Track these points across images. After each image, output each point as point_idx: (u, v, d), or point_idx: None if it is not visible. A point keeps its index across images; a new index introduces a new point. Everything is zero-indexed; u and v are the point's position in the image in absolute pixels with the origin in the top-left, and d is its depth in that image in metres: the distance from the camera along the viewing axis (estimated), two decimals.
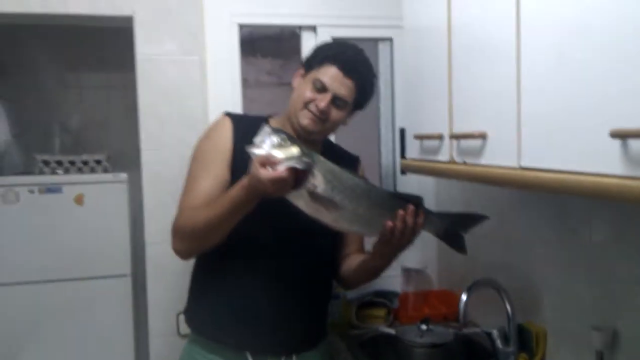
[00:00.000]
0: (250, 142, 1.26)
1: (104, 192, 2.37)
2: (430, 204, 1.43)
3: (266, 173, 1.20)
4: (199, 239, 1.41)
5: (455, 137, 1.34)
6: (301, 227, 1.36)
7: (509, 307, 1.59)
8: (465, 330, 1.79)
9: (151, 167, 1.95)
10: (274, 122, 1.53)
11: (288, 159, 1.20)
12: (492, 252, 1.82)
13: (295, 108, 1.47)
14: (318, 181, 1.25)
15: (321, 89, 1.44)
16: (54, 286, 2.31)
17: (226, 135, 1.49)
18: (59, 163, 2.40)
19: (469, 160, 1.30)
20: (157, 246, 1.93)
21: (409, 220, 1.32)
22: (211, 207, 1.36)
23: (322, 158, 1.28)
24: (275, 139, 1.21)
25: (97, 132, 2.87)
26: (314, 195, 1.25)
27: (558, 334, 1.54)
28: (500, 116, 1.16)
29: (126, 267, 2.38)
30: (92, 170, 2.44)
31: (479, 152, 1.24)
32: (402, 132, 1.94)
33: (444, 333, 1.76)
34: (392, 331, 1.86)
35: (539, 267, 1.61)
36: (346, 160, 1.63)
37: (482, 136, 1.22)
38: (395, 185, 2.24)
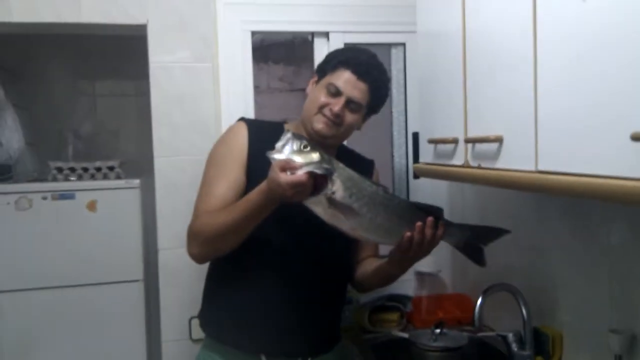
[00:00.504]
0: (265, 147, 1.28)
1: (117, 198, 2.35)
2: (443, 208, 1.43)
3: (285, 177, 1.20)
4: (216, 243, 1.41)
5: (471, 140, 1.34)
6: (317, 231, 1.36)
7: (524, 310, 1.58)
8: (480, 334, 1.78)
9: (164, 174, 1.96)
10: (289, 127, 1.54)
11: (308, 164, 1.21)
12: (507, 256, 1.80)
13: (309, 113, 1.48)
14: (337, 187, 1.25)
15: (335, 93, 1.45)
16: (66, 292, 2.30)
17: (242, 140, 1.50)
18: (72, 170, 2.40)
19: (484, 164, 1.29)
20: (170, 252, 1.95)
21: (428, 232, 1.33)
22: (229, 211, 1.37)
23: (341, 165, 1.29)
24: (296, 144, 1.22)
25: (110, 139, 2.88)
26: (332, 202, 1.25)
27: (575, 337, 1.52)
28: (516, 119, 1.15)
29: (139, 273, 2.37)
30: (105, 177, 2.43)
31: (494, 155, 1.23)
32: (415, 136, 1.94)
33: (458, 337, 1.75)
34: (405, 335, 1.85)
35: (555, 270, 1.59)
36: (361, 164, 1.63)
37: (498, 140, 1.21)
38: (408, 190, 2.23)
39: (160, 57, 1.94)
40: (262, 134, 1.50)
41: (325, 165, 1.23)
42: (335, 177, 1.24)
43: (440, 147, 1.51)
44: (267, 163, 1.25)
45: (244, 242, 1.39)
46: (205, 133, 1.94)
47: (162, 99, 1.94)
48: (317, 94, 1.48)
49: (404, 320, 2.01)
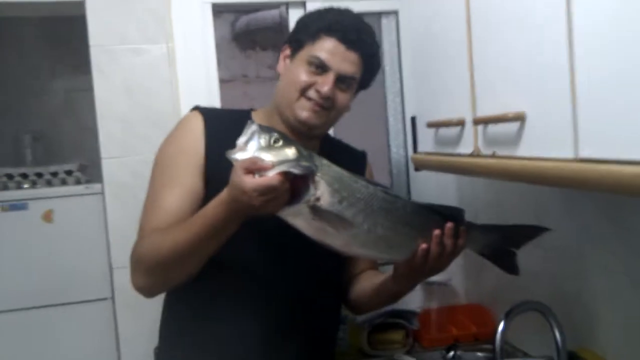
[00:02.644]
0: (228, 143, 1.00)
1: (76, 206, 2.09)
2: (464, 209, 1.15)
3: (251, 181, 0.93)
4: (165, 272, 1.12)
5: (481, 121, 1.04)
6: (297, 245, 1.07)
7: (557, 333, 1.29)
8: None
9: (114, 178, 1.70)
10: (258, 117, 1.24)
11: (281, 162, 0.94)
12: (531, 261, 1.50)
13: (289, 99, 1.19)
14: (322, 192, 0.98)
15: (320, 68, 1.16)
16: (23, 315, 2.05)
17: (196, 136, 1.20)
18: (24, 176, 2.15)
19: (500, 151, 1.00)
20: (127, 271, 1.65)
21: (448, 242, 1.06)
22: (181, 229, 1.08)
23: (326, 161, 1.01)
24: (264, 138, 0.97)
25: (72, 140, 2.62)
26: (316, 211, 0.98)
27: None
28: (544, 90, 0.86)
29: (106, 290, 2.10)
30: (64, 183, 2.18)
31: (514, 140, 0.94)
32: (413, 120, 1.66)
33: None
34: None
35: (592, 279, 1.32)
36: (350, 157, 1.35)
37: (519, 118, 0.91)
38: (408, 186, 1.98)
39: (103, 39, 1.67)
40: (223, 126, 1.20)
41: (304, 163, 0.97)
42: (318, 177, 0.98)
43: (443, 131, 1.22)
44: (230, 165, 1.00)
45: (207, 265, 1.11)
46: (161, 128, 1.61)
47: (107, 89, 1.68)
48: (295, 72, 1.19)
49: (409, 339, 1.73)
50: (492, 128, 1.01)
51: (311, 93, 1.17)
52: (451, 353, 1.48)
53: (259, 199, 0.94)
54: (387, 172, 1.99)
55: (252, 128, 0.97)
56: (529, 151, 0.91)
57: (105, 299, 2.12)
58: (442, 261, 1.09)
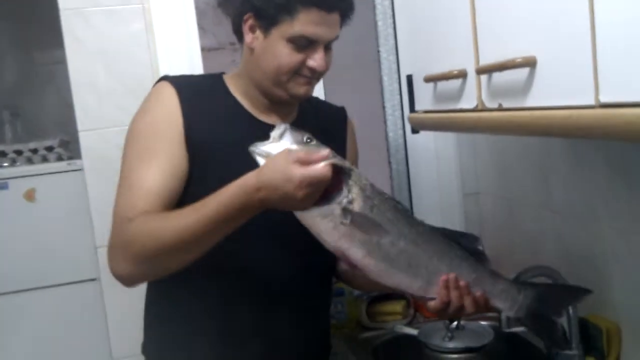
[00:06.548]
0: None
1: (59, 183, 2.00)
2: (479, 237, 1.06)
3: (302, 171, 0.88)
4: (161, 261, 1.00)
5: (485, 70, 0.93)
6: (295, 239, 1.03)
7: None
8: (510, 329, 1.41)
9: (92, 152, 1.61)
10: (232, 83, 1.16)
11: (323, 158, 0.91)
12: (539, 222, 1.47)
13: (276, 80, 1.09)
14: (355, 195, 0.94)
15: (308, 44, 1.06)
16: (9, 299, 1.98)
17: (171, 106, 1.09)
18: (3, 154, 2.05)
19: (507, 102, 0.90)
20: None
21: (453, 295, 0.98)
22: (187, 215, 0.96)
23: (355, 168, 0.97)
24: (296, 136, 0.96)
25: (54, 115, 2.50)
26: (347, 214, 0.93)
27: (637, 330, 1.17)
28: (558, 31, 0.75)
29: (93, 270, 2.01)
30: (45, 160, 2.07)
31: (523, 89, 0.84)
32: (410, 79, 1.55)
33: (480, 332, 1.43)
34: (413, 331, 1.50)
35: (604, 241, 1.23)
36: (329, 115, 1.28)
37: (529, 63, 0.81)
38: (406, 150, 1.87)
39: (73, 1, 1.55)
40: (197, 93, 1.12)
41: (343, 164, 0.94)
42: (352, 181, 0.94)
43: (442, 85, 1.11)
44: (213, 133, 1.02)
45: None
46: (140, 96, 1.45)
47: (80, 56, 1.57)
48: (278, 52, 1.06)
49: (410, 310, 1.66)
50: (498, 77, 0.90)
51: (305, 71, 1.08)
52: (454, 323, 1.39)
53: (305, 189, 0.88)
54: (383, 137, 1.89)
55: (283, 127, 0.96)
56: (540, 100, 0.81)
57: (93, 279, 2.05)
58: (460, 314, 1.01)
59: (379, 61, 1.86)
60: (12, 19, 2.52)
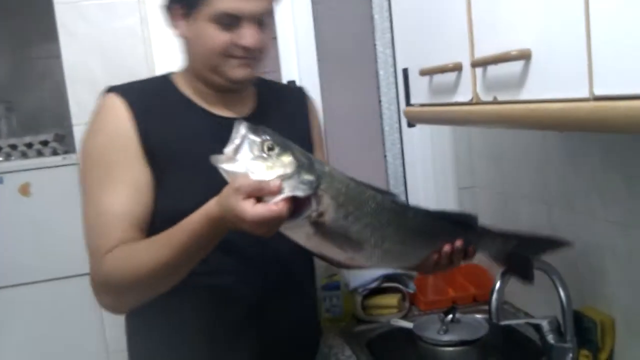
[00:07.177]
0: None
1: (54, 178, 1.99)
2: (476, 216, 1.08)
3: (253, 211, 0.79)
4: (140, 292, 1.00)
5: (480, 63, 0.93)
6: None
7: (562, 293, 1.23)
8: (505, 322, 1.41)
9: None
10: (179, 81, 1.14)
11: (280, 177, 0.80)
12: (533, 215, 1.47)
13: (211, 65, 1.06)
14: (325, 206, 0.85)
15: (231, 21, 1.02)
16: (4, 293, 1.97)
17: (123, 119, 1.05)
18: None
19: (502, 95, 0.90)
20: None
21: (457, 258, 1.03)
22: (160, 246, 0.95)
23: (329, 168, 0.88)
24: (256, 144, 0.82)
25: (49, 110, 2.48)
26: (319, 227, 0.85)
27: (631, 323, 1.17)
28: (552, 24, 0.75)
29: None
30: (40, 154, 2.06)
31: (518, 81, 0.84)
32: (405, 72, 1.55)
33: (475, 325, 1.42)
34: (408, 325, 1.50)
35: (599, 233, 1.23)
36: (289, 96, 1.26)
37: (524, 56, 0.81)
38: (401, 143, 1.87)
39: None
40: (146, 99, 1.09)
41: (307, 177, 0.82)
42: (321, 191, 0.84)
43: (438, 78, 1.11)
44: (169, 135, 1.00)
45: None
46: None
47: (75, 49, 1.57)
48: (204, 34, 1.04)
49: (406, 303, 1.66)
50: (493, 70, 0.90)
51: (236, 51, 1.04)
52: (450, 316, 1.39)
53: (263, 228, 0.81)
54: (379, 130, 1.89)
55: (241, 131, 0.83)
56: (535, 93, 0.81)
57: (88, 273, 2.05)
58: (449, 267, 1.06)
59: (375, 55, 1.85)
60: (6, 13, 2.50)
